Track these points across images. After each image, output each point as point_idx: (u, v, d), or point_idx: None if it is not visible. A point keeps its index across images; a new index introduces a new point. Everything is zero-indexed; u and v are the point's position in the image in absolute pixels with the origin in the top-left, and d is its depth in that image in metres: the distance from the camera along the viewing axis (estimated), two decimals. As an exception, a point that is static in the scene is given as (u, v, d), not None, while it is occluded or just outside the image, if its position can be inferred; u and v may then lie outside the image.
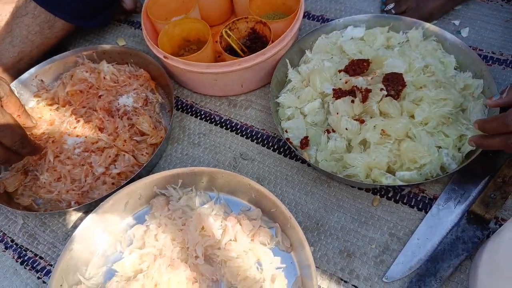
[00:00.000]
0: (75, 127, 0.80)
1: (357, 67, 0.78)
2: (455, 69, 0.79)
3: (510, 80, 0.80)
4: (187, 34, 0.91)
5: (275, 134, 0.82)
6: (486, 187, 0.67)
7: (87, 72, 0.87)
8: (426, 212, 0.68)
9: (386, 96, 0.72)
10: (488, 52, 0.85)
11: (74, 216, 0.77)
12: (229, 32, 0.82)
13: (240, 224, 0.68)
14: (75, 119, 0.81)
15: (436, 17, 0.92)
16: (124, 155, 0.76)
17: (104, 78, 0.87)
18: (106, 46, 0.92)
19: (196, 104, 0.89)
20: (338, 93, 0.75)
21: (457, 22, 0.91)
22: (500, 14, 0.90)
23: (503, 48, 0.85)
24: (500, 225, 0.65)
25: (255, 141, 0.82)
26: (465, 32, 0.89)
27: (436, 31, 0.82)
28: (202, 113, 0.88)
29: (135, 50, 0.92)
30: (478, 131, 0.65)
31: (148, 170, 0.80)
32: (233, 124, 0.85)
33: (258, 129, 0.84)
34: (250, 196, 0.71)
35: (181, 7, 0.93)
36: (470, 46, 0.84)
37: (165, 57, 0.81)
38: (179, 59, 0.79)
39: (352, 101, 0.73)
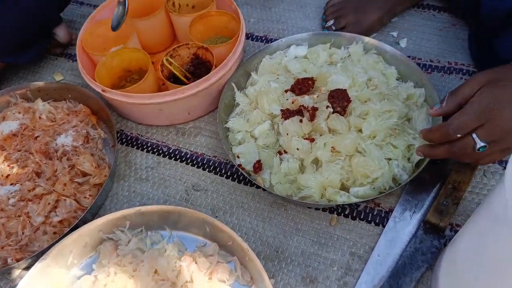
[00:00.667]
0: (7, 175, 0.73)
1: (302, 86, 0.77)
2: (397, 80, 0.80)
3: (450, 86, 0.83)
4: (127, 64, 0.88)
5: (227, 160, 0.80)
6: (438, 195, 0.67)
7: (19, 113, 0.81)
8: (384, 226, 0.68)
9: (333, 113, 0.72)
10: (427, 61, 0.88)
11: (13, 274, 0.70)
12: (170, 59, 0.80)
13: (196, 263, 0.64)
14: (8, 165, 0.75)
15: (375, 30, 0.94)
16: (65, 200, 0.71)
17: (40, 117, 0.82)
18: (40, 83, 0.86)
19: (141, 136, 0.85)
20: (286, 114, 0.74)
21: (395, 34, 0.93)
22: (433, 24, 0.94)
23: (439, 56, 0.88)
24: (455, 232, 0.66)
25: (207, 169, 0.79)
26: (403, 43, 0.92)
27: (375, 44, 0.83)
28: (148, 145, 0.84)
29: (72, 84, 0.87)
30: (424, 141, 0.65)
31: (93, 213, 0.75)
32: (182, 154, 0.82)
33: (210, 156, 0.81)
34: (205, 231, 0.67)
35: (119, 37, 0.89)
36: (409, 56, 0.86)
37: (103, 90, 0.77)
38: (118, 92, 0.75)
39: (301, 121, 0.73)
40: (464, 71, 0.84)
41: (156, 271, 0.64)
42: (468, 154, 0.59)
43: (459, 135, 0.57)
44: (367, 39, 0.84)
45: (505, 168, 0.70)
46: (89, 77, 0.79)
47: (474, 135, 0.56)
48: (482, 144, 0.56)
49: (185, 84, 0.78)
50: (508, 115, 0.54)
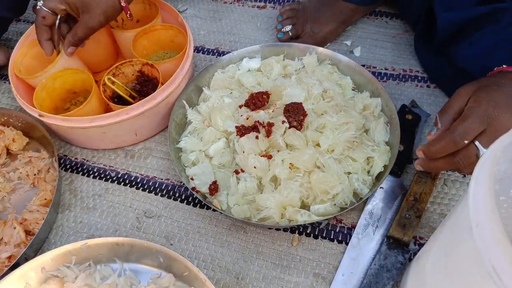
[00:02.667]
0: None
1: (257, 100, 0.74)
2: (352, 90, 0.79)
3: (406, 94, 0.82)
4: (72, 85, 0.81)
5: (181, 182, 0.75)
6: (400, 207, 0.66)
7: None
8: (347, 244, 0.65)
9: (289, 127, 0.70)
10: (382, 69, 0.87)
11: None
12: (112, 78, 0.74)
13: (150, 297, 0.59)
14: None
15: (329, 40, 0.93)
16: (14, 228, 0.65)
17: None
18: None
19: (87, 161, 0.79)
20: (242, 130, 0.71)
21: (348, 43, 0.92)
22: (386, 31, 0.93)
23: (394, 63, 0.87)
24: (420, 245, 0.64)
25: (160, 194, 0.74)
26: (357, 52, 0.91)
27: (329, 54, 0.82)
28: (95, 170, 0.78)
29: (8, 109, 0.80)
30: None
31: (35, 249, 0.68)
32: (132, 178, 0.76)
33: (162, 179, 0.76)
34: (159, 262, 0.62)
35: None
36: (364, 65, 0.85)
37: (40, 115, 0.70)
38: (57, 116, 0.69)
39: (257, 137, 0.69)
40: (419, 78, 0.84)
41: (105, 310, 0.58)
42: (472, 163, 0.55)
43: (466, 142, 0.54)
44: (320, 49, 0.82)
45: (464, 176, 0.70)
46: (24, 101, 0.73)
47: (476, 142, 0.54)
48: (485, 150, 0.53)
49: (130, 104, 0.73)
50: (507, 117, 0.53)
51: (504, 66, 0.60)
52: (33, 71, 0.80)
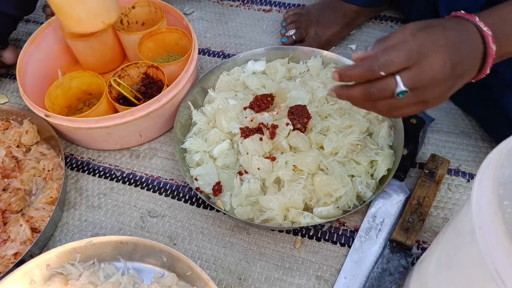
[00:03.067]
0: None
1: (261, 102, 0.75)
2: (357, 93, 0.79)
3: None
4: (88, 87, 0.83)
5: (185, 183, 0.75)
6: (403, 211, 0.66)
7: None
8: (350, 247, 0.65)
9: (293, 130, 0.70)
10: (386, 73, 0.87)
11: None
12: (118, 80, 0.75)
13: (153, 296, 0.59)
14: None
15: (334, 44, 0.93)
16: (21, 225, 0.65)
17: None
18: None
19: (93, 160, 0.80)
20: (246, 132, 0.71)
21: (353, 46, 0.93)
22: (391, 36, 0.93)
23: (398, 68, 0.87)
24: (422, 249, 0.64)
25: (164, 194, 0.74)
26: (362, 56, 0.91)
27: (334, 58, 0.82)
28: (100, 169, 0.79)
29: (16, 108, 0.81)
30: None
31: (40, 246, 0.69)
32: (137, 178, 0.77)
33: (166, 179, 0.76)
34: (162, 261, 0.63)
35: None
36: (369, 69, 0.86)
37: (46, 115, 0.71)
38: (63, 117, 0.70)
39: (261, 139, 0.70)
40: (423, 82, 0.84)
41: (109, 308, 0.58)
42: (385, 98, 0.51)
43: (383, 73, 0.49)
44: (325, 52, 0.82)
45: (468, 181, 0.70)
46: (31, 100, 0.74)
47: (397, 77, 0.49)
48: (404, 88, 0.49)
49: (135, 105, 0.74)
50: (439, 61, 0.48)
51: (461, 11, 0.55)
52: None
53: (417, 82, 0.49)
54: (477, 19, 0.52)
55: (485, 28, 0.52)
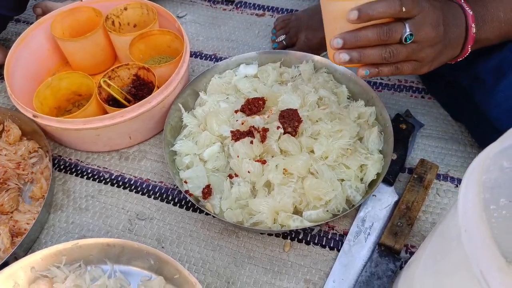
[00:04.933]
0: None
1: (253, 106, 0.75)
2: (348, 98, 0.79)
3: (400, 104, 0.83)
4: (78, 88, 0.82)
5: (175, 185, 0.75)
6: (392, 215, 0.66)
7: None
8: (339, 250, 0.65)
9: (284, 133, 0.70)
10: (377, 78, 0.88)
11: None
12: (108, 81, 0.75)
13: (140, 299, 0.59)
14: None
15: (325, 48, 0.93)
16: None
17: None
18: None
19: (81, 161, 0.79)
20: (237, 135, 0.71)
21: (345, 52, 0.93)
22: (382, 42, 0.94)
23: (389, 74, 0.88)
24: (411, 253, 0.64)
25: (153, 196, 0.74)
26: (353, 61, 0.91)
27: (325, 63, 0.82)
28: (88, 171, 0.78)
29: (4, 108, 0.80)
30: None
31: (25, 248, 0.67)
32: (125, 180, 0.76)
33: (156, 182, 0.76)
34: (150, 264, 0.62)
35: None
36: (359, 75, 0.86)
37: (34, 116, 0.70)
38: (51, 117, 0.69)
39: (251, 142, 0.70)
40: (414, 88, 0.85)
41: (94, 312, 0.57)
42: (392, 40, 0.55)
43: (404, 9, 0.53)
44: (317, 57, 0.83)
45: (456, 186, 0.70)
46: (19, 101, 0.73)
47: (405, 22, 0.55)
48: (410, 31, 0.54)
49: (125, 107, 0.73)
50: (435, 16, 0.56)
51: None
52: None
53: (417, 29, 0.55)
54: (462, 0, 0.60)
55: (467, 8, 0.60)
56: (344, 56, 0.57)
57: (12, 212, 0.71)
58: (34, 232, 0.68)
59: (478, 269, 0.32)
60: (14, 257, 0.63)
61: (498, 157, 0.40)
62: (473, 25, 0.59)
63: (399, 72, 0.59)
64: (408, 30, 0.55)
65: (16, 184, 0.73)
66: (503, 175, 0.41)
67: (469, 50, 0.61)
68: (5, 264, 0.61)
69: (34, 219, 0.67)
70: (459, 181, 0.71)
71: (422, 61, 0.59)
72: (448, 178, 0.72)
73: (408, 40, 0.55)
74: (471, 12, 0.59)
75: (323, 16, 0.61)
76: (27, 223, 0.68)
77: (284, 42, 0.92)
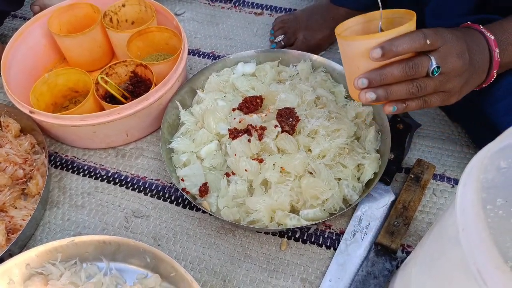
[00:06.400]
0: None
1: (250, 104, 0.75)
2: (345, 98, 0.79)
3: (397, 104, 0.83)
4: (74, 84, 0.82)
5: (171, 183, 0.75)
6: (389, 215, 0.66)
7: None
8: (335, 249, 0.65)
9: (282, 132, 0.70)
10: (374, 79, 0.88)
11: None
12: (105, 78, 0.74)
13: (135, 297, 0.58)
14: None
15: (323, 48, 0.93)
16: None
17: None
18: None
19: (77, 158, 0.79)
20: (234, 133, 0.71)
21: (343, 52, 0.93)
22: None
23: (387, 74, 0.88)
24: (407, 253, 0.65)
25: (149, 194, 0.74)
26: (351, 61, 0.92)
27: (323, 62, 0.83)
28: (85, 168, 0.77)
29: (1, 104, 0.79)
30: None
31: (20, 245, 0.67)
32: (122, 178, 0.76)
33: (152, 179, 0.75)
34: (146, 262, 0.62)
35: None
36: (357, 74, 0.86)
37: (31, 112, 0.70)
38: (48, 114, 0.69)
39: (249, 140, 0.69)
40: (410, 89, 0.85)
41: (90, 309, 0.57)
42: (419, 74, 0.54)
43: (429, 42, 0.52)
44: (315, 57, 0.83)
45: (453, 186, 0.71)
46: (15, 96, 0.72)
47: (430, 55, 0.53)
48: (436, 64, 0.53)
49: (123, 104, 0.73)
50: (460, 47, 0.54)
51: (468, 22, 0.61)
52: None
53: (443, 61, 0.54)
54: (481, 27, 0.58)
55: (488, 34, 0.58)
56: (371, 95, 0.55)
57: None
58: (30, 228, 0.67)
59: (475, 267, 0.32)
60: (9, 254, 0.63)
61: (496, 157, 0.40)
62: (496, 50, 0.58)
63: (427, 106, 0.57)
64: (434, 63, 0.53)
65: (23, 182, 0.72)
66: (500, 175, 0.42)
67: (495, 75, 0.59)
68: (0, 260, 0.60)
69: (29, 215, 0.67)
70: (456, 181, 0.72)
71: (450, 91, 0.57)
72: (445, 178, 0.72)
73: (435, 73, 0.54)
74: (492, 37, 0.58)
75: (342, 55, 0.59)
76: (23, 219, 0.68)
77: (283, 43, 0.92)
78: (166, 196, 0.73)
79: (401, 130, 0.75)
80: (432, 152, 0.76)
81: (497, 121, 0.63)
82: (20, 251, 0.67)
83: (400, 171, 0.73)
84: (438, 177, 0.72)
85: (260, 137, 0.70)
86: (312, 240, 0.67)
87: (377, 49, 0.52)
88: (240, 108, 0.75)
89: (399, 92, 0.55)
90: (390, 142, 0.69)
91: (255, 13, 1.03)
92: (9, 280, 0.60)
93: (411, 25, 0.54)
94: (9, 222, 0.67)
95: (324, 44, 0.93)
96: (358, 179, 0.69)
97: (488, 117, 0.64)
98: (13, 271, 0.60)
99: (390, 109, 0.57)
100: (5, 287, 0.60)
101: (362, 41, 0.54)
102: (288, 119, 0.70)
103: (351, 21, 0.60)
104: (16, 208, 0.69)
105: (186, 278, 0.57)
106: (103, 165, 0.78)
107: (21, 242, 0.67)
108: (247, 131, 0.71)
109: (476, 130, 0.74)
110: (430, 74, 0.54)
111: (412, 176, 0.69)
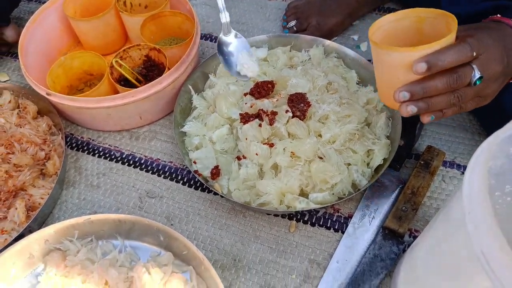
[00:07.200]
0: None
1: (262, 89, 0.75)
2: (357, 83, 0.80)
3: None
4: (89, 67, 0.84)
5: (184, 166, 0.76)
6: (397, 200, 0.67)
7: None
8: (343, 232, 0.67)
9: (292, 117, 0.71)
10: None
11: None
12: (120, 61, 0.76)
13: (149, 273, 0.60)
14: None
15: (336, 33, 0.93)
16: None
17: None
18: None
19: (93, 140, 0.81)
20: (245, 118, 0.72)
21: (356, 37, 0.93)
22: (393, 28, 0.94)
23: (399, 60, 0.88)
24: (414, 237, 0.66)
25: (163, 175, 0.75)
26: (364, 47, 0.92)
27: (336, 48, 0.83)
28: (100, 149, 0.79)
29: (18, 86, 0.81)
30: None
31: (39, 222, 0.70)
32: (136, 159, 0.78)
33: (165, 162, 0.77)
34: (159, 240, 0.64)
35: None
36: (370, 60, 0.86)
37: (48, 94, 0.71)
38: (65, 96, 0.71)
39: (260, 125, 0.70)
40: (422, 75, 0.85)
41: (106, 283, 0.60)
42: (461, 86, 0.53)
43: (475, 54, 0.51)
44: (327, 42, 0.83)
45: (462, 173, 0.71)
46: (32, 79, 0.74)
47: (473, 65, 0.52)
48: (479, 74, 0.52)
49: (136, 87, 0.74)
50: (499, 52, 0.53)
51: (498, 15, 0.59)
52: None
53: (485, 69, 0.53)
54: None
55: None
56: (412, 108, 0.55)
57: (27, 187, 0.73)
58: (48, 207, 0.70)
59: (480, 249, 0.33)
60: (29, 230, 0.65)
61: (505, 144, 0.41)
62: None
63: (462, 111, 0.57)
64: (478, 74, 0.52)
65: (43, 163, 0.74)
66: (509, 162, 0.42)
67: None
68: (21, 236, 0.63)
69: (48, 194, 0.69)
70: (465, 168, 0.72)
71: (486, 96, 0.57)
72: (455, 165, 0.73)
73: (478, 83, 0.53)
74: None
75: (378, 61, 0.58)
76: (41, 198, 0.70)
77: (295, 28, 0.92)
78: (179, 178, 0.75)
79: (412, 117, 0.75)
80: (442, 139, 0.76)
81: (510, 108, 0.63)
82: (39, 228, 0.69)
83: (410, 157, 0.74)
84: (448, 164, 0.73)
85: (271, 122, 0.70)
86: (321, 223, 0.68)
87: (422, 63, 0.50)
88: (251, 93, 0.76)
89: (441, 104, 0.54)
90: (401, 129, 0.70)
91: (267, -2, 1.03)
92: (29, 255, 0.63)
93: (453, 35, 0.52)
94: (29, 200, 0.70)
95: (337, 29, 0.93)
96: (368, 164, 0.70)
97: (501, 104, 0.64)
98: (33, 246, 0.62)
99: (428, 119, 0.56)
100: (25, 261, 0.63)
101: (404, 53, 0.52)
102: (299, 104, 0.70)
103: (382, 20, 0.58)
104: (35, 187, 0.72)
105: (198, 256, 0.59)
106: (117, 147, 0.79)
107: (40, 219, 0.69)
108: (258, 115, 0.72)
109: (488, 118, 0.74)
110: (473, 84, 0.53)
111: (422, 162, 0.70)
